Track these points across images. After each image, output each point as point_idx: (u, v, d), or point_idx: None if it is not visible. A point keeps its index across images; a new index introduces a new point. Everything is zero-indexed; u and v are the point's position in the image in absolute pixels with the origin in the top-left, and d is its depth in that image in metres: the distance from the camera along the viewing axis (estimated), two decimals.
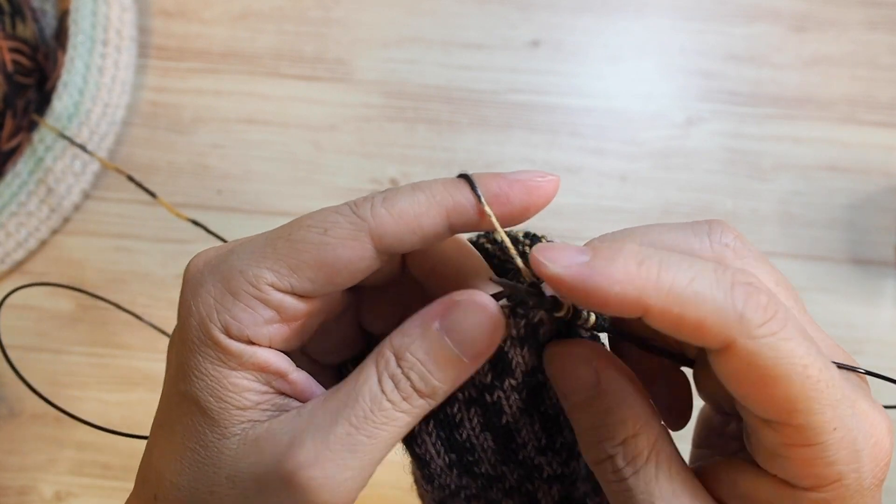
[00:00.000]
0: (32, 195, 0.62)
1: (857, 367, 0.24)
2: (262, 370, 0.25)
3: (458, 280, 0.27)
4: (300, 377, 0.26)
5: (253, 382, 0.25)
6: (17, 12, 0.62)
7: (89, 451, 0.61)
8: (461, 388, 0.26)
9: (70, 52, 0.63)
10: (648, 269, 0.21)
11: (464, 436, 0.27)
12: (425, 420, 0.27)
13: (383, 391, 0.24)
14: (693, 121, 0.65)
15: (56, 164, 0.62)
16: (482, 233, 0.29)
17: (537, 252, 0.22)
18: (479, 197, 0.24)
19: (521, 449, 0.28)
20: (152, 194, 0.54)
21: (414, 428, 0.27)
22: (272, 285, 0.24)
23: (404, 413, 0.24)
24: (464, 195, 0.24)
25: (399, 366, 0.24)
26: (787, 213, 0.64)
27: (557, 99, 0.66)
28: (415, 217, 0.24)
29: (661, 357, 0.27)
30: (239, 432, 0.25)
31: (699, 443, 0.30)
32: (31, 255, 0.63)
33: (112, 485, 0.60)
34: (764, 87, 0.66)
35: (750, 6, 0.67)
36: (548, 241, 0.28)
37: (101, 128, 0.63)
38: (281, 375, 0.25)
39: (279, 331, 0.25)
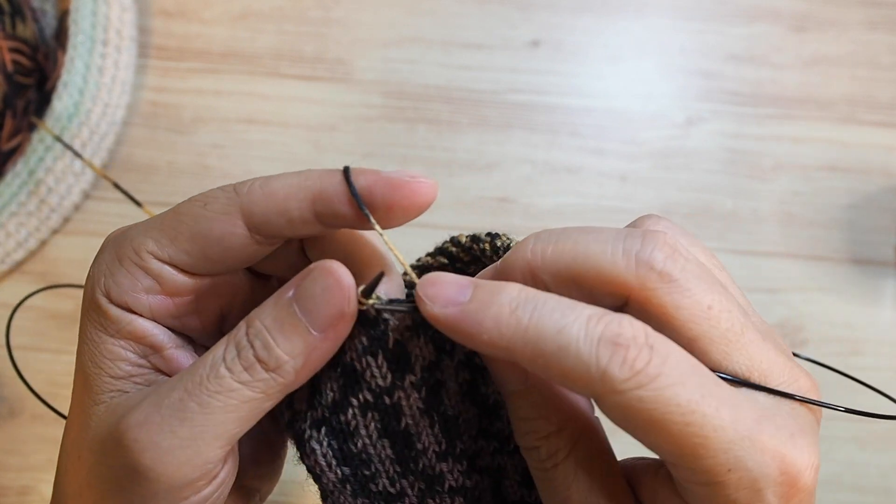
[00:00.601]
0: (32, 195, 0.62)
1: (780, 392, 0.23)
2: (138, 340, 0.25)
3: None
4: (177, 354, 0.26)
5: (128, 353, 0.25)
6: (17, 12, 0.62)
7: None
8: (356, 393, 0.25)
9: (70, 52, 0.63)
10: (519, 318, 0.21)
11: (359, 445, 0.26)
12: (316, 427, 0.26)
13: (224, 360, 0.23)
14: (693, 121, 0.65)
15: (56, 164, 0.62)
16: (451, 237, 0.29)
17: (421, 288, 0.22)
18: (351, 186, 0.23)
19: (421, 456, 0.26)
20: (138, 203, 0.54)
21: (304, 434, 0.26)
22: (152, 253, 0.24)
23: (243, 385, 0.23)
24: (331, 183, 0.23)
25: (246, 333, 0.23)
26: (787, 213, 0.64)
27: (557, 99, 0.66)
28: (283, 198, 0.23)
29: None
30: (107, 400, 0.25)
31: None
32: (31, 255, 0.63)
33: None
34: (764, 87, 0.66)
35: (750, 6, 0.67)
36: (506, 237, 0.27)
37: (101, 128, 0.63)
38: (157, 349, 0.25)
39: (162, 303, 0.25)
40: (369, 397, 0.25)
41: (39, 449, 0.61)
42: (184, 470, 0.23)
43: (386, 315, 0.24)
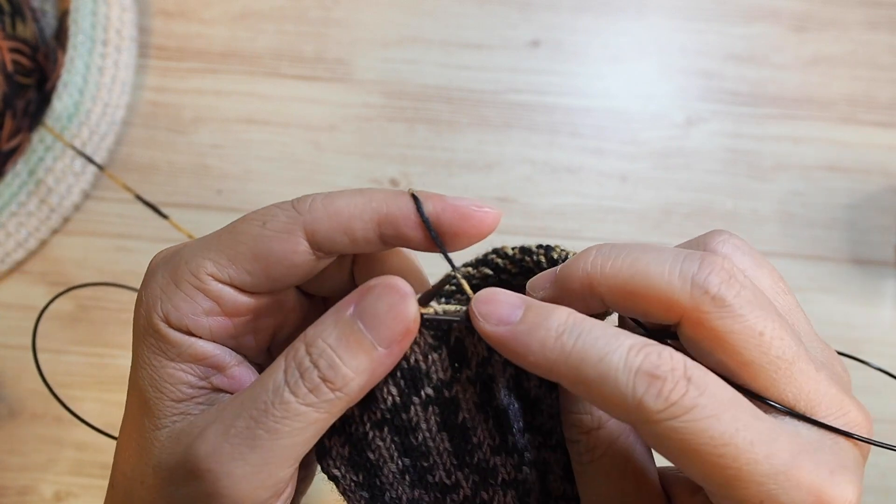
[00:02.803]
0: (32, 195, 0.62)
1: (822, 424, 0.23)
2: (199, 361, 0.25)
3: None
4: (239, 372, 0.26)
5: (189, 376, 0.25)
6: (17, 12, 0.62)
7: (89, 451, 0.61)
8: (418, 391, 0.26)
9: (70, 52, 0.63)
10: (563, 344, 0.22)
11: (419, 438, 0.27)
12: (378, 427, 0.27)
13: (287, 383, 0.23)
14: (693, 121, 0.65)
15: (56, 164, 0.62)
16: (495, 249, 0.30)
17: (475, 304, 0.23)
18: (421, 213, 0.24)
19: (477, 450, 0.28)
20: (164, 216, 0.54)
21: (368, 435, 0.27)
22: (212, 275, 0.24)
23: (310, 407, 0.23)
24: (398, 206, 0.24)
25: (308, 353, 0.23)
26: (787, 213, 0.64)
27: (557, 99, 0.66)
28: (348, 218, 0.24)
29: (643, 328, 0.27)
30: (169, 424, 0.25)
31: None
32: (31, 255, 0.63)
33: None
34: (764, 87, 0.66)
35: (750, 6, 0.67)
36: (560, 248, 0.28)
37: (101, 128, 0.63)
38: (219, 369, 0.25)
39: (221, 324, 0.25)
40: (431, 392, 0.26)
41: (39, 449, 0.61)
42: (257, 493, 0.23)
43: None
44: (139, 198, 0.55)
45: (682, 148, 0.65)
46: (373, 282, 0.24)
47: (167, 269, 0.25)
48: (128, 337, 0.64)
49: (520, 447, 0.28)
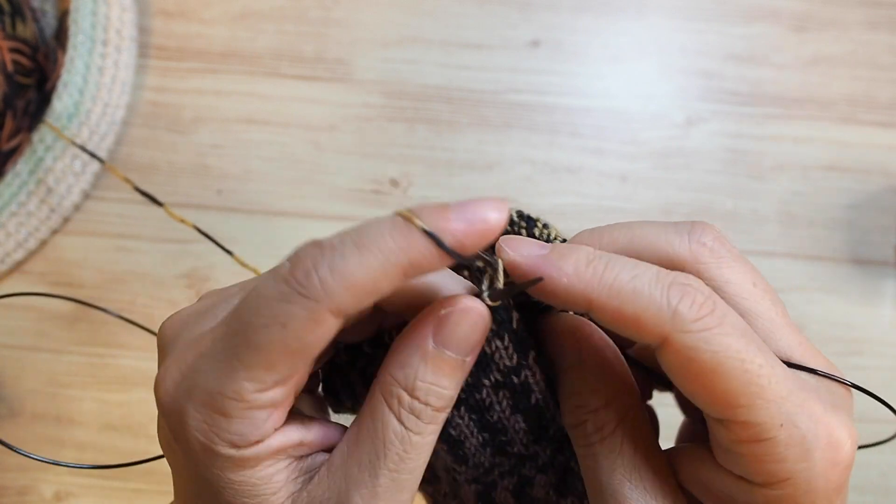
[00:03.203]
0: (32, 195, 0.62)
1: (823, 372, 0.24)
2: (278, 455, 0.25)
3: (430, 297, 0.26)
4: (314, 435, 0.26)
5: (275, 466, 0.25)
6: (17, 12, 0.62)
7: (89, 451, 0.61)
8: (487, 375, 0.27)
9: (70, 52, 0.63)
10: (595, 267, 0.23)
11: (495, 417, 0.28)
12: (457, 407, 0.28)
13: (408, 428, 0.24)
14: (693, 121, 0.65)
15: (56, 164, 0.62)
16: None
17: (502, 241, 0.24)
18: (446, 249, 0.23)
19: (551, 424, 0.28)
20: (159, 203, 0.54)
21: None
22: (257, 391, 0.23)
23: (432, 434, 0.24)
24: (419, 252, 0.22)
25: (415, 397, 0.24)
26: (787, 213, 0.64)
27: (557, 99, 0.66)
28: (372, 284, 0.22)
29: (646, 373, 0.28)
30: None
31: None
32: (31, 255, 0.63)
33: (112, 485, 0.60)
34: (764, 87, 0.66)
35: (750, 6, 0.67)
36: (543, 223, 0.30)
37: (101, 128, 0.63)
38: (296, 447, 0.25)
39: (279, 416, 0.25)
40: (499, 377, 0.27)
41: (39, 449, 0.61)
42: None
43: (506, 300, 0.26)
44: (137, 189, 0.55)
45: (682, 148, 0.65)
46: (443, 310, 0.24)
47: (197, 406, 0.24)
48: (127, 337, 0.64)
49: None
